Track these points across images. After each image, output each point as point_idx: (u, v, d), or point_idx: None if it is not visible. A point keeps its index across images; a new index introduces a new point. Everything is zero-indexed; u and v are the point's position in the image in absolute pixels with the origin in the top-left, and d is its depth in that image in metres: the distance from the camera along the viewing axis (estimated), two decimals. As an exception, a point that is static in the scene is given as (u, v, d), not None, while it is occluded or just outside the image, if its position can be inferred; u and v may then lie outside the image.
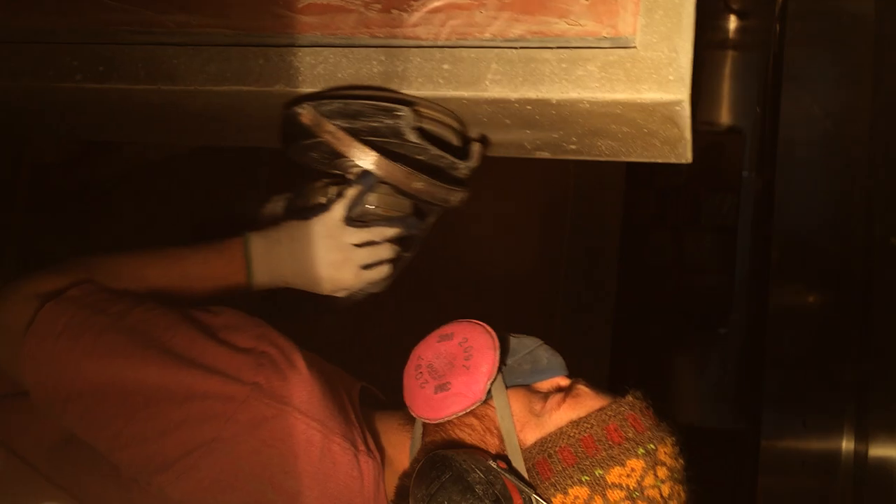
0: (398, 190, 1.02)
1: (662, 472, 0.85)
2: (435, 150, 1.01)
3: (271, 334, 0.90)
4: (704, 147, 3.41)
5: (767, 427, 3.04)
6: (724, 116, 3.50)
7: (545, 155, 1.16)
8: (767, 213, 3.24)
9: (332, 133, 0.99)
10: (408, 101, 0.99)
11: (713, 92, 3.46)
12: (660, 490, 0.84)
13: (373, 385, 1.02)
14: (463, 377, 0.88)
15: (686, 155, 1.10)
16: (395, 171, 1.00)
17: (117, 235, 1.69)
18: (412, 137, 0.99)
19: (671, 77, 0.93)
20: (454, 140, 1.05)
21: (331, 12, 1.03)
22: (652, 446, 0.86)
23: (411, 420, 0.94)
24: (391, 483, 0.91)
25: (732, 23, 3.50)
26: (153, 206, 1.75)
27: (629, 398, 0.90)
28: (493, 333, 0.91)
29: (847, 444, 2.99)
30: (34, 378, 0.86)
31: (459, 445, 0.88)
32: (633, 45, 0.95)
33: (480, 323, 0.92)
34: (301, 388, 0.86)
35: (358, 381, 0.99)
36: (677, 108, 0.95)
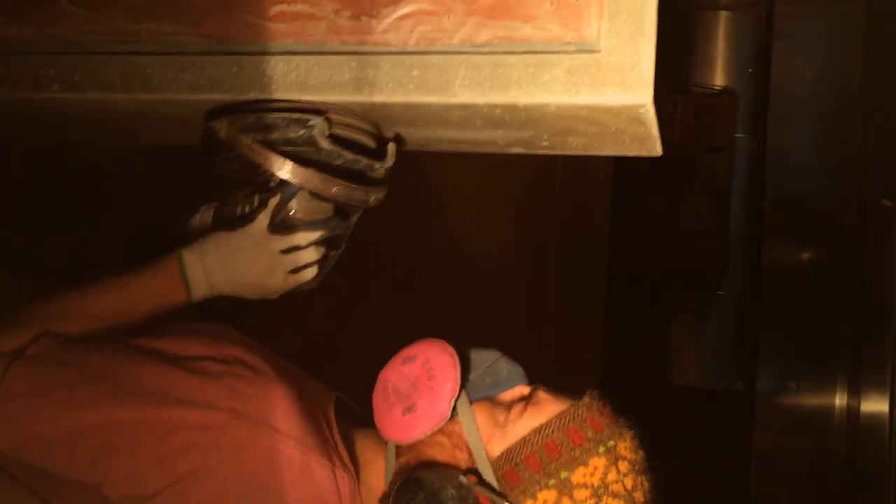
0: (318, 195, 1.06)
1: (624, 466, 0.90)
2: (350, 155, 1.05)
3: (240, 353, 0.93)
4: (698, 109, 3.42)
5: (762, 386, 3.09)
6: (718, 78, 3.50)
7: (519, 150, 1.18)
8: (761, 174, 3.25)
9: (249, 146, 1.02)
10: (319, 110, 1.03)
11: (707, 53, 3.46)
12: (623, 484, 0.88)
13: (353, 392, 1.05)
14: (427, 397, 0.92)
15: (655, 149, 1.11)
16: (313, 179, 1.03)
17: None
18: (325, 145, 1.03)
19: (634, 81, 0.95)
20: (369, 142, 1.09)
21: (301, 20, 1.05)
22: (612, 443, 0.90)
23: (384, 439, 0.98)
24: (367, 499, 0.95)
25: (725, -17, 3.48)
26: (96, 208, 1.76)
27: (586, 399, 0.94)
28: (453, 352, 0.94)
29: (840, 401, 3.03)
30: (10, 439, 0.89)
31: (431, 464, 0.92)
32: (597, 49, 0.96)
33: (440, 342, 0.95)
34: (277, 406, 0.89)
35: (332, 391, 1.03)
36: (642, 110, 0.97)
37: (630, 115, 0.99)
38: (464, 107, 1.01)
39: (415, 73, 1.01)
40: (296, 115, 1.02)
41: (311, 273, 1.09)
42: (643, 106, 0.96)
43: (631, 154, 1.14)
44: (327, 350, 1.63)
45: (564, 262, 2.85)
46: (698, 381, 3.66)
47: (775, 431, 3.14)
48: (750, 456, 3.05)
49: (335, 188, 1.05)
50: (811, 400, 3.11)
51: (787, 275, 3.17)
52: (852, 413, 3.02)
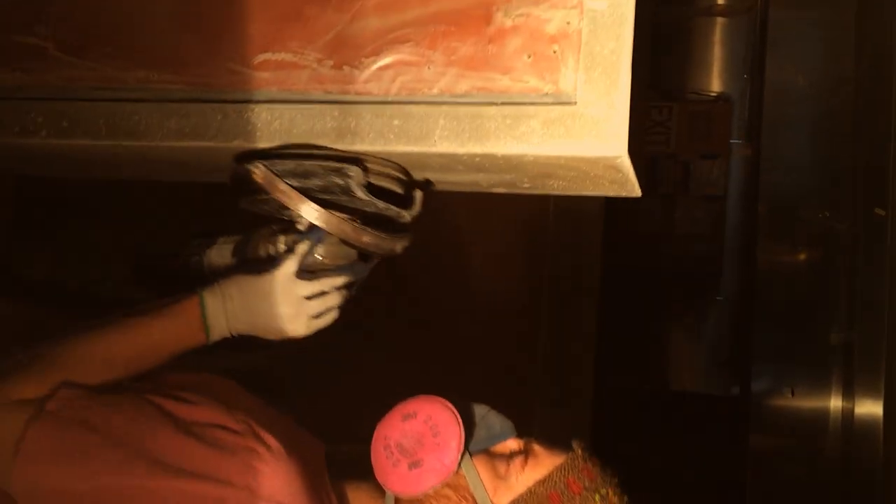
0: (346, 242, 1.07)
1: None
2: (381, 204, 1.06)
3: (250, 420, 0.95)
4: (693, 115, 3.43)
5: (757, 390, 3.11)
6: (714, 84, 3.50)
7: (501, 190, 1.20)
8: (756, 179, 3.26)
9: (285, 192, 1.03)
10: (356, 159, 1.03)
11: (702, 59, 3.46)
12: None
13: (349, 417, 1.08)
14: (435, 453, 0.96)
15: (634, 191, 1.13)
16: (346, 228, 1.05)
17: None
18: (361, 195, 1.03)
19: (610, 133, 0.97)
20: (398, 189, 1.10)
21: (285, 68, 1.06)
22: (604, 490, 0.98)
23: (381, 492, 1.00)
24: None
25: (721, -10, 3.48)
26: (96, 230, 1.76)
27: (578, 451, 0.99)
28: (454, 409, 0.98)
29: (835, 404, 3.06)
30: (28, 499, 0.90)
31: None
32: (573, 101, 0.98)
33: (439, 399, 0.98)
34: (286, 482, 0.93)
35: (321, 444, 1.05)
36: (618, 160, 0.99)
37: (607, 164, 1.00)
38: (443, 155, 1.03)
39: (396, 122, 1.03)
40: (335, 165, 1.03)
41: (332, 316, 1.10)
42: (618, 157, 0.98)
43: (611, 195, 1.16)
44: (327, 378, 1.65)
45: (559, 265, 2.87)
46: (694, 386, 3.68)
47: (771, 435, 3.16)
48: (746, 459, 3.08)
49: (366, 237, 1.07)
50: (806, 403, 3.13)
51: (782, 279, 3.19)
52: (847, 416, 3.04)
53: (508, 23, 1.00)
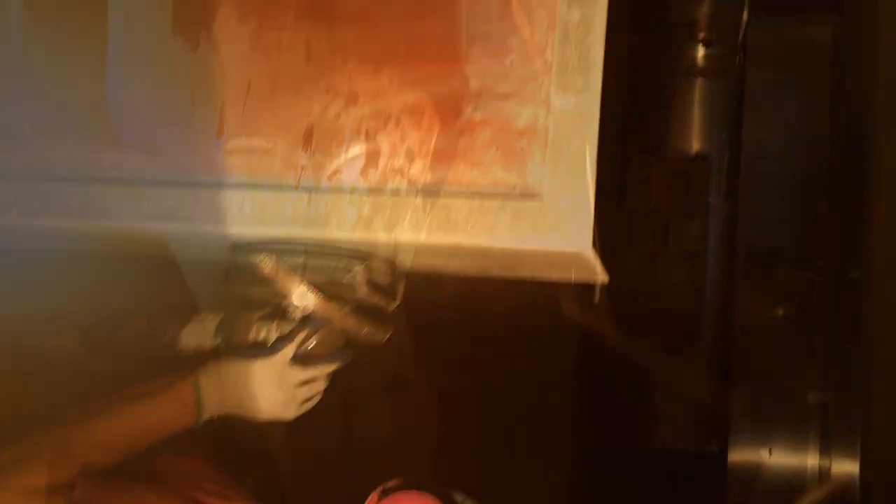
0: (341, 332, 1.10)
1: None
2: (378, 298, 1.10)
3: None
4: (672, 173, 3.47)
5: (734, 447, 3.11)
6: (693, 142, 3.54)
7: (472, 274, 1.21)
8: (733, 237, 3.30)
9: (291, 284, 1.07)
10: (362, 256, 1.07)
11: (681, 119, 3.50)
12: None
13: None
14: None
15: (602, 278, 1.14)
16: (347, 320, 1.09)
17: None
18: (363, 291, 1.08)
19: (574, 230, 0.98)
20: (388, 281, 1.13)
21: (258, 154, 1.08)
22: None
23: None
24: None
25: (699, 51, 3.54)
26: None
27: None
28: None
29: (812, 462, 3.06)
30: None
31: None
32: (540, 196, 0.99)
33: (423, 494, 0.98)
34: None
35: None
36: (582, 254, 1.00)
37: (572, 255, 1.02)
38: (413, 244, 1.04)
39: (365, 211, 1.04)
40: (343, 263, 1.07)
41: (317, 400, 1.12)
42: (583, 252, 0.99)
43: (579, 280, 1.17)
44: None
45: (534, 321, 2.87)
46: (671, 443, 3.68)
47: (748, 493, 3.15)
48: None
49: (365, 329, 1.10)
50: (783, 461, 3.13)
51: (759, 337, 3.20)
52: (824, 475, 3.05)
53: (478, 117, 1.02)
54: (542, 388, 2.87)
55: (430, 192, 1.03)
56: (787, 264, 3.16)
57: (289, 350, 1.08)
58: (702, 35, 3.53)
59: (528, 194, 1.00)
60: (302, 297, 1.07)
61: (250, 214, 1.07)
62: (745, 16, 3.30)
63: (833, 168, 3.03)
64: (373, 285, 1.09)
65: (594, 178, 0.98)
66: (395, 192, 1.04)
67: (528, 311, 2.89)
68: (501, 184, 1.01)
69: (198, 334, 1.16)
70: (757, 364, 3.20)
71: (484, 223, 1.01)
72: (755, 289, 3.28)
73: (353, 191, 1.05)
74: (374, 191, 1.04)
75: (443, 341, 2.47)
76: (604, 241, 1.04)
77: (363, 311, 1.10)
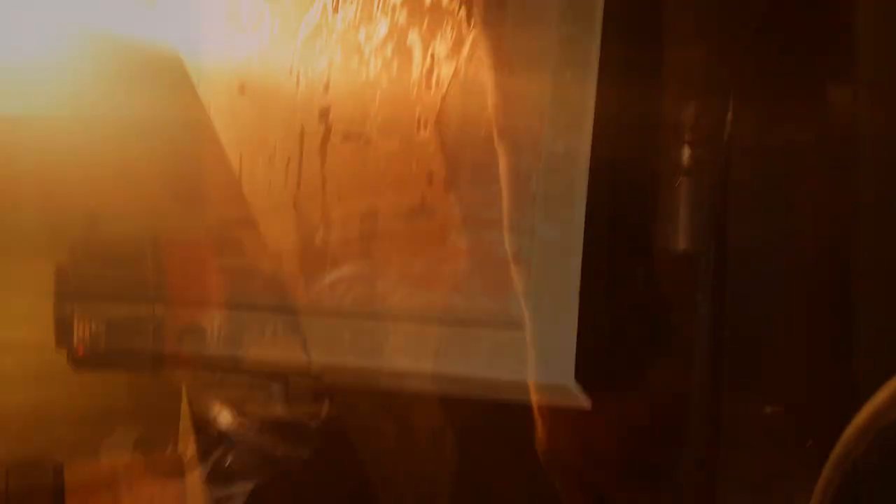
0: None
1: None
2: (299, 415, 1.08)
3: None
4: (658, 273, 3.50)
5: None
6: (680, 241, 3.58)
7: (454, 393, 1.20)
8: (721, 336, 3.29)
9: (207, 400, 1.05)
10: (282, 376, 1.05)
11: (669, 218, 3.55)
12: None
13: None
14: None
15: (585, 403, 1.13)
16: (265, 440, 1.07)
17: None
18: (280, 409, 1.07)
19: (556, 362, 0.97)
20: (310, 398, 1.12)
21: (238, 275, 1.07)
22: None
23: None
24: None
25: (686, 151, 3.60)
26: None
27: None
28: None
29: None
30: None
31: None
32: (522, 326, 0.99)
33: None
34: None
35: None
36: (565, 388, 0.99)
37: (554, 388, 1.00)
38: (392, 371, 1.03)
39: (346, 336, 1.03)
40: (258, 381, 1.07)
41: None
42: (565, 386, 0.98)
43: (560, 405, 1.16)
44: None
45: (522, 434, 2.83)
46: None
47: None
48: None
49: (281, 450, 1.09)
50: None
51: (748, 437, 3.17)
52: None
53: (462, 244, 1.02)
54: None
55: (412, 317, 1.02)
56: (776, 361, 3.15)
57: (203, 468, 1.06)
58: (687, 136, 3.61)
59: (510, 324, 0.99)
60: (218, 414, 1.06)
61: (228, 336, 1.06)
62: (729, 116, 3.36)
63: (820, 265, 3.05)
64: (292, 402, 1.07)
65: (576, 310, 0.97)
66: (377, 318, 1.03)
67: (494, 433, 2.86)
68: (484, 312, 1.00)
69: (116, 450, 1.14)
70: (746, 465, 3.16)
71: (465, 351, 1.00)
72: (744, 387, 3.25)
73: (334, 314, 1.04)
74: (355, 315, 1.03)
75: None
76: (587, 369, 1.03)
77: (282, 428, 1.08)
